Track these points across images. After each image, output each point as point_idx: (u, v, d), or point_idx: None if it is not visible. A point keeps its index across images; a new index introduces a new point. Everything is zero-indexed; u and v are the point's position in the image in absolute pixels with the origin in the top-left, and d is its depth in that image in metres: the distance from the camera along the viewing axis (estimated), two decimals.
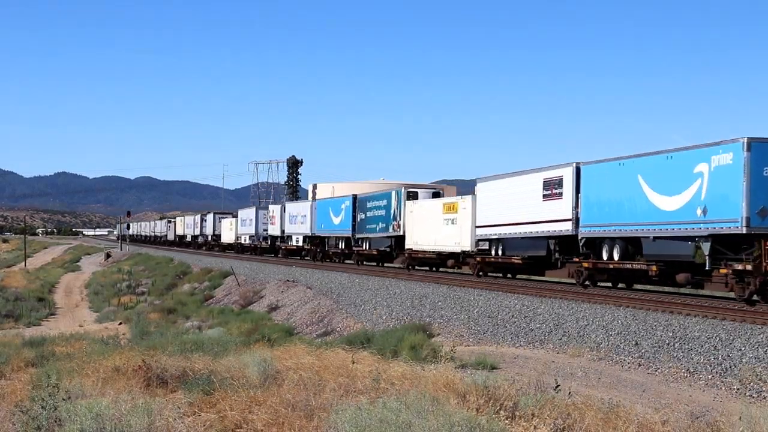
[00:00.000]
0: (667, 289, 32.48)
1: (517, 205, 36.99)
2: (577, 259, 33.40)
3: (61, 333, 38.95)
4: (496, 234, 38.97)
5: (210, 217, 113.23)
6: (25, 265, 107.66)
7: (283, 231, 75.58)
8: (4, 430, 12.58)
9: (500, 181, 39.57)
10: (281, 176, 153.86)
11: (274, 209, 79.85)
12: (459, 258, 43.39)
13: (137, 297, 61.85)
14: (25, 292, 62.82)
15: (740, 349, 19.36)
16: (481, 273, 40.85)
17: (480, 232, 40.43)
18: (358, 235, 57.25)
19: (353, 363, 16.57)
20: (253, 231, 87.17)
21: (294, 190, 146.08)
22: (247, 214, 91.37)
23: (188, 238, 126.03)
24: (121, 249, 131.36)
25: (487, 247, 40.50)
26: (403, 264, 50.66)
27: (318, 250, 66.28)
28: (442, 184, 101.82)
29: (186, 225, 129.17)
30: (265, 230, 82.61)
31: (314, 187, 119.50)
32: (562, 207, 33.81)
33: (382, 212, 52.37)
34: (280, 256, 76.68)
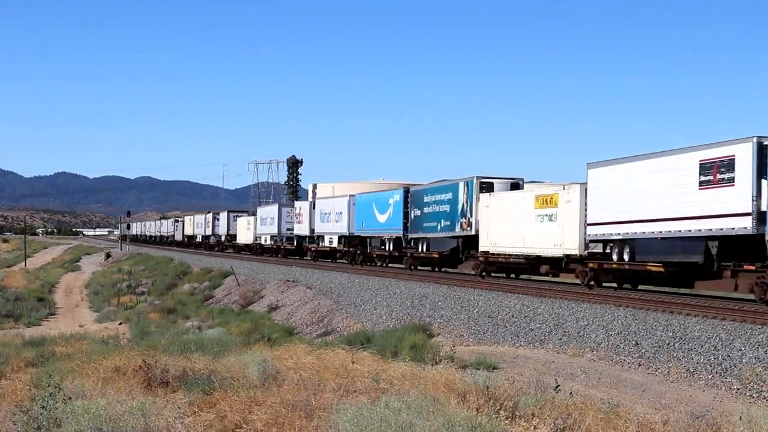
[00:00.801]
0: (666, 289, 32.40)
1: (655, 195, 29.15)
2: (754, 267, 25.81)
3: (61, 333, 38.94)
4: (619, 233, 30.96)
5: (224, 216, 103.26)
6: (25, 265, 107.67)
7: (312, 230, 67.56)
8: (5, 430, 12.57)
9: (626, 165, 31.16)
10: (281, 176, 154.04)
11: (302, 206, 71.71)
12: (560, 263, 35.00)
13: (137, 297, 61.87)
14: (25, 292, 62.83)
15: (740, 349, 19.36)
16: (592, 282, 32.64)
17: (593, 231, 32.50)
18: (411, 235, 48.98)
19: (353, 363, 16.57)
20: (275, 230, 78.56)
21: (294, 190, 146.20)
22: (268, 212, 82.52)
23: (198, 239, 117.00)
24: (121, 249, 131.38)
25: (603, 250, 33.25)
26: (474, 270, 41.68)
27: (358, 252, 57.83)
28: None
29: (196, 224, 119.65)
30: (290, 230, 74.95)
31: (314, 187, 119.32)
32: (734, 197, 25.72)
33: (446, 207, 43.90)
34: (308, 258, 68.45)
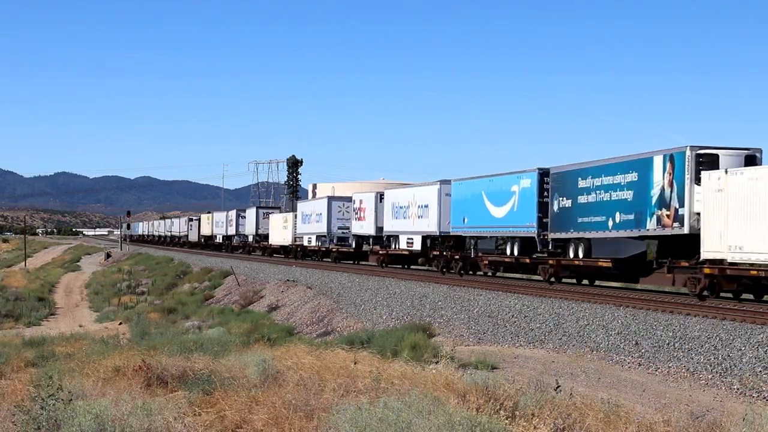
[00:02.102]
0: (667, 289, 32.36)
1: None
2: None
3: (61, 333, 38.93)
4: None
5: (251, 213, 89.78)
6: (25, 264, 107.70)
7: (380, 229, 53.91)
8: (5, 430, 12.56)
9: None
10: (281, 176, 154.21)
11: (365, 199, 57.33)
12: None
13: (137, 297, 61.90)
14: (25, 292, 62.84)
15: (740, 349, 19.37)
16: None
17: None
18: (552, 235, 35.67)
19: (354, 363, 16.58)
20: (323, 229, 64.31)
21: (294, 190, 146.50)
22: (314, 207, 68.22)
23: (218, 239, 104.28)
24: (121, 249, 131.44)
25: None
26: (689, 287, 27.95)
27: (456, 256, 43.91)
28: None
29: (216, 223, 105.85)
30: (343, 228, 62.13)
31: (314, 187, 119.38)
32: None
33: (626, 194, 31.21)
34: (373, 264, 55.51)
